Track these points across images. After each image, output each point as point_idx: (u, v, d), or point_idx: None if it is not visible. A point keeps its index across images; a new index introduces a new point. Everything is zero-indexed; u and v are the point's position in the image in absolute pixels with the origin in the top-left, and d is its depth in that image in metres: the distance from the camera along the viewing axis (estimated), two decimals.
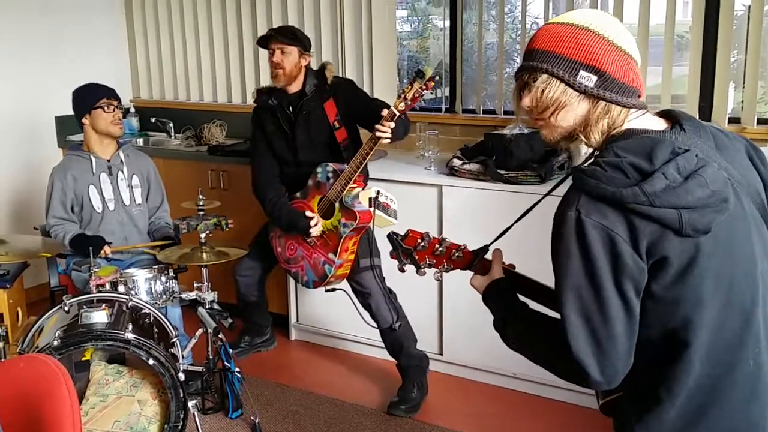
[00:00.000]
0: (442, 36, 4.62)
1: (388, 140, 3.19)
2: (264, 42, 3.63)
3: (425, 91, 3.03)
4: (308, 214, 3.49)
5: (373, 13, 4.42)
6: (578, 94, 1.52)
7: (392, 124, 3.14)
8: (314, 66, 3.70)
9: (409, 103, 3.07)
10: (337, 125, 3.57)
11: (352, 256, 3.53)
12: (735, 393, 1.51)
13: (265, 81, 3.97)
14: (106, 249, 3.48)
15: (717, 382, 1.50)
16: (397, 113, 3.10)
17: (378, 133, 3.16)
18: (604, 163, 1.47)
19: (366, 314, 3.59)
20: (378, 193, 3.40)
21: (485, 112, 4.33)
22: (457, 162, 3.73)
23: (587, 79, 1.50)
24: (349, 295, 3.56)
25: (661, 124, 1.59)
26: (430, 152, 3.93)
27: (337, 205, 3.44)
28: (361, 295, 3.61)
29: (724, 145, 1.58)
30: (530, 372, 3.64)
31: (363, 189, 3.45)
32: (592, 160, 1.54)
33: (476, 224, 3.50)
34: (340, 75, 4.46)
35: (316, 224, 3.48)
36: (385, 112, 3.13)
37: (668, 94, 3.72)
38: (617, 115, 1.53)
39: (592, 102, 1.52)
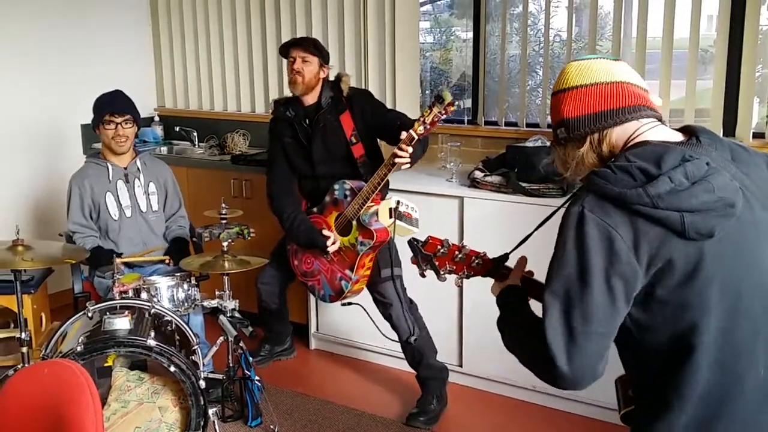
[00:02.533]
0: (464, 48, 4.64)
1: (408, 165, 3.20)
2: (285, 51, 3.65)
3: (444, 115, 3.03)
4: (325, 233, 3.51)
5: (397, 25, 4.44)
6: (567, 145, 1.66)
7: (410, 149, 3.14)
8: (331, 76, 3.71)
9: (428, 126, 3.07)
10: (354, 140, 3.56)
11: (369, 272, 3.55)
12: (745, 402, 1.51)
13: (289, 91, 3.99)
14: (117, 261, 3.50)
15: (726, 391, 1.51)
16: (416, 137, 3.10)
17: (397, 159, 3.16)
18: (615, 166, 1.52)
19: (384, 327, 3.58)
20: (398, 203, 3.40)
21: (507, 124, 4.33)
22: (478, 174, 3.73)
23: (561, 132, 1.65)
24: (365, 309, 3.56)
25: (678, 136, 1.63)
26: (452, 164, 3.94)
27: (354, 223, 3.45)
28: (382, 305, 3.61)
29: (741, 159, 1.61)
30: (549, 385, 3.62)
31: (380, 205, 3.44)
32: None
33: (497, 236, 3.48)
34: (363, 86, 4.48)
35: (333, 243, 3.50)
36: (403, 134, 3.12)
37: (692, 108, 3.71)
38: (608, 136, 1.61)
39: (578, 141, 1.64)
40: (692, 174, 1.47)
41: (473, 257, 1.98)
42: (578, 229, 1.50)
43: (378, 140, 3.69)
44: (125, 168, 3.74)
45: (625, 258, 1.47)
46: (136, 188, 3.74)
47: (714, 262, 1.47)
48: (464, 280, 2.02)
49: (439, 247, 1.98)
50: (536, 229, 1.91)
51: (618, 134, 1.61)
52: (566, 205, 1.58)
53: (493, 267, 1.96)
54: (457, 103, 3.05)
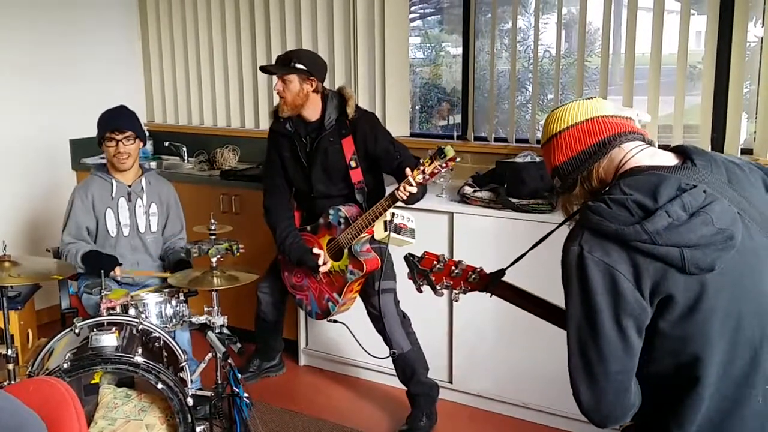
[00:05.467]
0: (454, 63, 4.65)
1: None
2: (265, 69, 3.57)
3: (444, 169, 3.04)
4: (315, 251, 3.50)
5: (386, 40, 4.45)
6: (565, 192, 1.69)
7: (408, 193, 3.11)
8: (328, 85, 3.60)
9: (427, 177, 3.07)
10: (353, 165, 3.50)
11: (356, 294, 3.56)
12: (744, 430, 1.51)
13: None
14: (117, 270, 3.48)
15: (724, 419, 1.50)
16: (414, 184, 3.09)
17: (398, 194, 3.13)
18: (610, 200, 1.50)
19: (369, 344, 3.55)
20: (393, 215, 3.38)
21: (497, 140, 4.33)
22: (468, 189, 3.73)
23: (557, 182, 1.70)
24: (349, 329, 3.55)
25: (671, 160, 1.60)
26: (442, 179, 3.93)
27: (346, 251, 3.44)
28: (375, 318, 3.59)
29: (737, 179, 1.58)
30: (540, 402, 3.61)
31: (373, 236, 3.42)
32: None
33: (487, 251, 3.50)
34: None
35: (324, 263, 3.49)
36: (408, 171, 3.10)
37: (680, 124, 3.72)
38: (596, 170, 1.64)
39: (572, 185, 1.68)
40: (689, 205, 1.45)
41: (470, 272, 2.00)
42: (580, 272, 1.50)
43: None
44: (129, 186, 3.70)
45: (631, 295, 1.46)
46: (137, 207, 3.70)
47: (715, 295, 1.46)
48: (461, 295, 2.04)
49: (435, 262, 2.00)
50: (531, 249, 1.91)
51: (605, 165, 1.62)
52: (564, 242, 1.57)
53: (489, 282, 1.97)
54: (458, 159, 3.04)
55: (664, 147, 1.71)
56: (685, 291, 1.45)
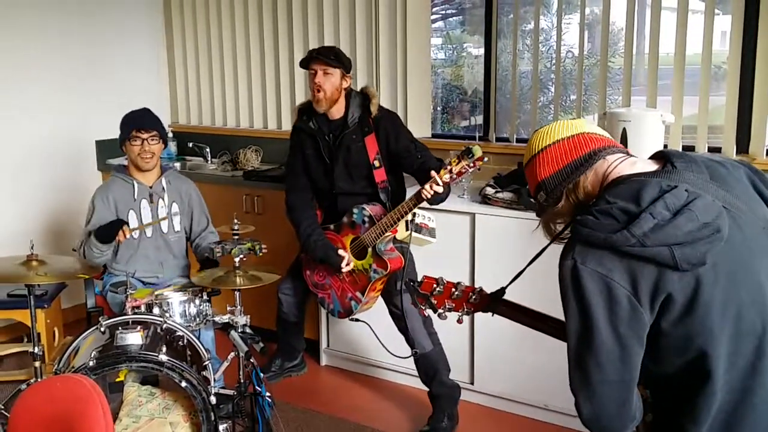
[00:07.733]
0: (476, 64, 4.65)
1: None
2: (306, 63, 3.56)
3: (472, 168, 3.05)
4: (341, 252, 3.51)
5: (408, 41, 4.46)
6: (549, 207, 1.72)
7: (433, 192, 3.12)
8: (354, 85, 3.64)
9: (454, 176, 3.08)
10: (376, 164, 3.52)
11: (379, 293, 3.56)
12: (756, 419, 1.52)
13: (305, 98, 3.96)
14: (125, 229, 3.51)
15: (735, 409, 1.52)
16: (440, 183, 3.10)
17: (423, 193, 3.14)
18: (596, 211, 1.53)
19: (391, 343, 3.56)
20: (414, 215, 3.39)
21: (519, 140, 4.32)
22: (490, 190, 3.73)
23: (541, 196, 1.73)
24: (371, 327, 3.55)
25: (652, 165, 1.65)
26: (463, 180, 3.93)
27: (370, 250, 3.45)
28: (397, 318, 3.60)
29: (720, 176, 1.62)
30: (561, 403, 3.60)
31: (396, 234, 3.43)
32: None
33: (508, 253, 3.49)
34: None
35: (347, 264, 3.51)
36: (432, 173, 3.10)
37: (705, 125, 3.69)
38: (582, 183, 1.66)
39: (557, 199, 1.70)
40: (672, 204, 1.48)
41: (470, 293, 2.05)
42: (575, 284, 1.53)
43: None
44: (151, 187, 3.73)
45: (627, 303, 1.49)
46: (160, 208, 3.72)
47: (711, 288, 1.48)
48: (465, 316, 2.09)
49: (434, 285, 2.05)
50: (528, 265, 1.95)
51: (591, 179, 1.65)
52: (559, 258, 1.60)
53: (490, 302, 2.00)
54: (486, 159, 3.04)
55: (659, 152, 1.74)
56: (682, 288, 1.48)
